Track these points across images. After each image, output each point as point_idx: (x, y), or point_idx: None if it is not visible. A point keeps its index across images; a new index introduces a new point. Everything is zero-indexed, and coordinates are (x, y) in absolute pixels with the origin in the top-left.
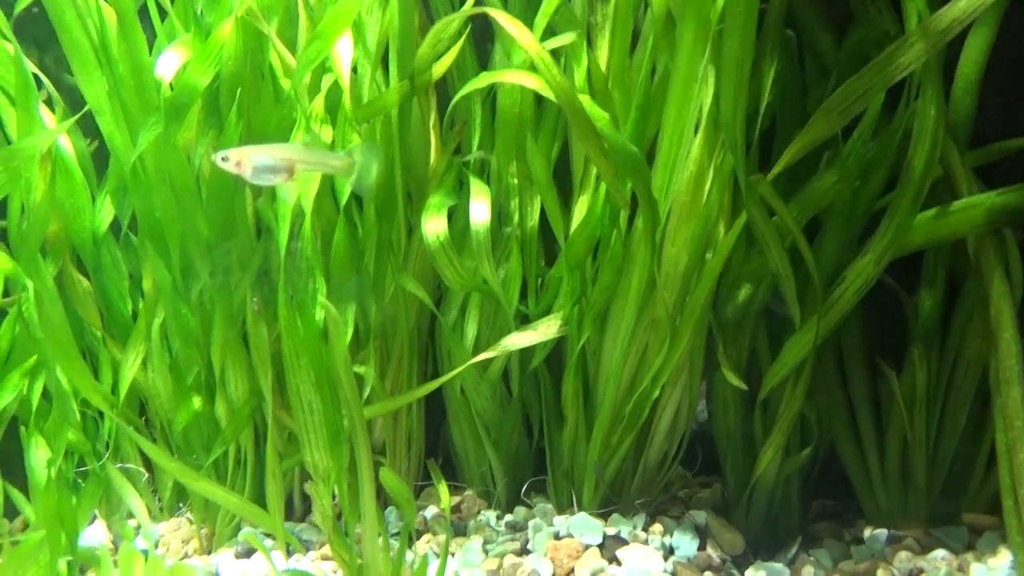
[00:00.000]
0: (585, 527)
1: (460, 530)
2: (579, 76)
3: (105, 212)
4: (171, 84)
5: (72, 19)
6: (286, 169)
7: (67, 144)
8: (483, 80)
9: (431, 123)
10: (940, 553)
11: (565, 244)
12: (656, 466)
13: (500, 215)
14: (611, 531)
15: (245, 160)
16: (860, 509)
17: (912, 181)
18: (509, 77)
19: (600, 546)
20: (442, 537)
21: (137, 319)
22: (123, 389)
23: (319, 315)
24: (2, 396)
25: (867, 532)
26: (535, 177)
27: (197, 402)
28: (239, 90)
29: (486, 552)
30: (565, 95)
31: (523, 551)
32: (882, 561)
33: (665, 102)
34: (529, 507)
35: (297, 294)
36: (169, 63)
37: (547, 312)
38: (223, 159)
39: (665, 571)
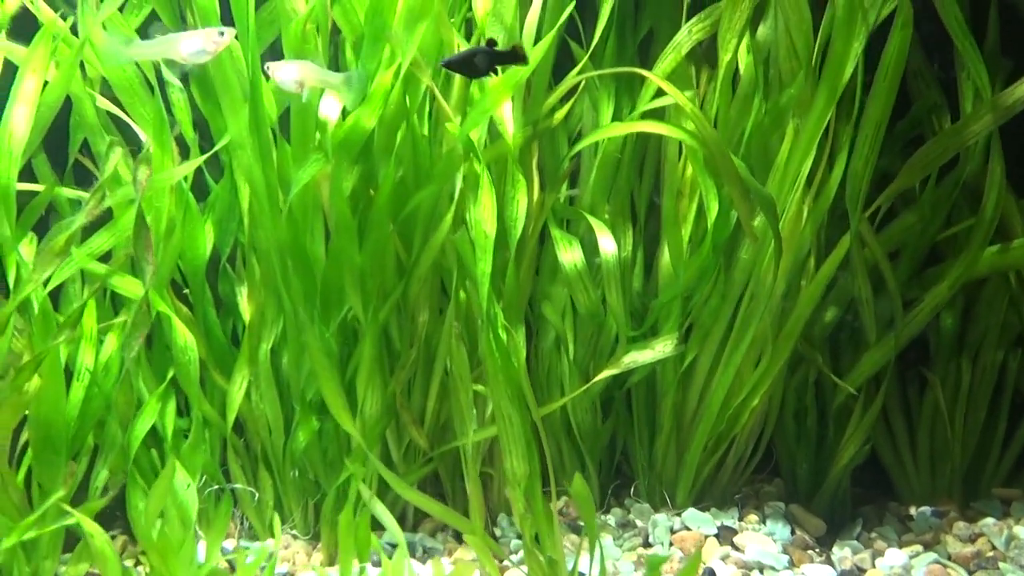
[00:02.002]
0: (699, 520)
1: (576, 529)
2: (689, 127)
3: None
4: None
5: (226, 57)
6: (299, 83)
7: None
8: (616, 129)
9: (533, 163)
10: (990, 520)
11: (673, 272)
12: (734, 465)
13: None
14: (719, 523)
15: (275, 71)
16: (892, 493)
17: (983, 222)
18: (647, 127)
19: (716, 536)
20: (571, 536)
21: (240, 345)
22: (231, 413)
23: (505, 337)
24: (142, 420)
25: (912, 510)
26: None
27: (315, 422)
28: (399, 133)
29: (619, 547)
30: (716, 145)
31: (645, 544)
32: (941, 532)
33: (780, 152)
34: (624, 508)
35: (484, 319)
36: (332, 106)
37: (651, 333)
38: (265, 68)
39: (780, 552)
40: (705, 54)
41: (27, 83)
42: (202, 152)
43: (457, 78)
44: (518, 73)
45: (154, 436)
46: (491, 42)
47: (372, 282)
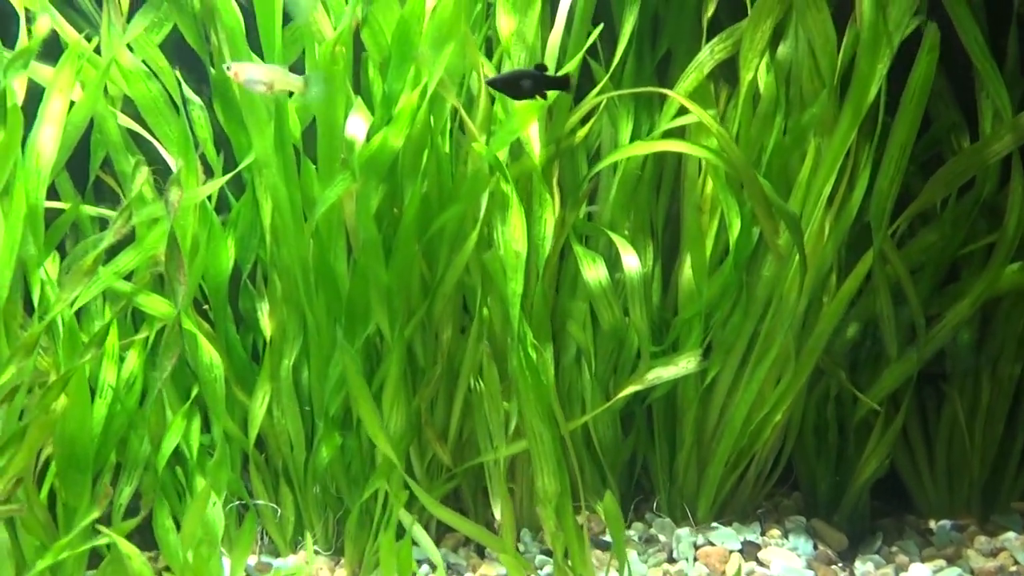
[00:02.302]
0: (723, 535)
1: (600, 545)
2: (711, 144)
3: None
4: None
5: None
6: (267, 84)
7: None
8: (640, 148)
9: (554, 180)
10: (1011, 534)
11: (696, 288)
12: (755, 480)
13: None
14: (742, 538)
15: (241, 72)
16: (909, 506)
17: (1005, 241)
18: (672, 146)
19: (740, 551)
20: (595, 552)
21: (261, 361)
22: (253, 429)
23: (535, 357)
24: (169, 438)
25: (932, 524)
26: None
27: (337, 438)
28: (425, 152)
29: (644, 563)
30: (741, 164)
31: (670, 559)
32: (962, 546)
33: (802, 170)
34: (646, 523)
35: (515, 338)
36: (358, 125)
37: (672, 349)
38: (227, 68)
39: (804, 568)
40: (722, 73)
41: (54, 103)
42: (224, 170)
43: (481, 99)
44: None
45: (175, 453)
46: (541, 67)
47: (398, 300)
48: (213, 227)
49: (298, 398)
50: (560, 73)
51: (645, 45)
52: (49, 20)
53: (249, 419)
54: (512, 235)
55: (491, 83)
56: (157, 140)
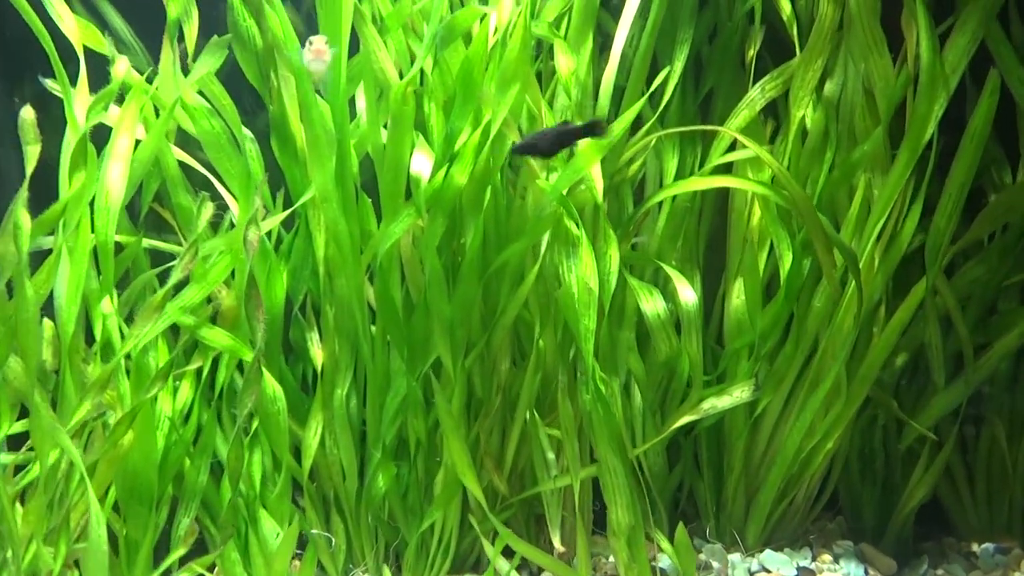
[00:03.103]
0: (777, 561)
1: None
2: (762, 179)
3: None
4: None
5: (316, 114)
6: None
7: None
8: (696, 184)
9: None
10: None
11: (748, 319)
12: (803, 506)
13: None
14: (796, 564)
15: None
16: (949, 529)
17: None
18: (726, 182)
19: None
20: None
21: (312, 392)
22: (307, 459)
23: (604, 391)
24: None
25: (975, 547)
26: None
27: (393, 467)
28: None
29: None
30: (801, 199)
31: None
32: (1008, 569)
33: (852, 205)
34: (695, 549)
35: (588, 373)
36: (423, 163)
37: (720, 379)
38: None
39: None
40: (764, 110)
41: (120, 141)
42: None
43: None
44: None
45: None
46: (565, 123)
47: (460, 332)
48: (270, 261)
49: (350, 427)
50: (605, 124)
51: (689, 83)
52: (127, 63)
53: (302, 449)
54: (584, 272)
55: (517, 150)
56: (216, 176)
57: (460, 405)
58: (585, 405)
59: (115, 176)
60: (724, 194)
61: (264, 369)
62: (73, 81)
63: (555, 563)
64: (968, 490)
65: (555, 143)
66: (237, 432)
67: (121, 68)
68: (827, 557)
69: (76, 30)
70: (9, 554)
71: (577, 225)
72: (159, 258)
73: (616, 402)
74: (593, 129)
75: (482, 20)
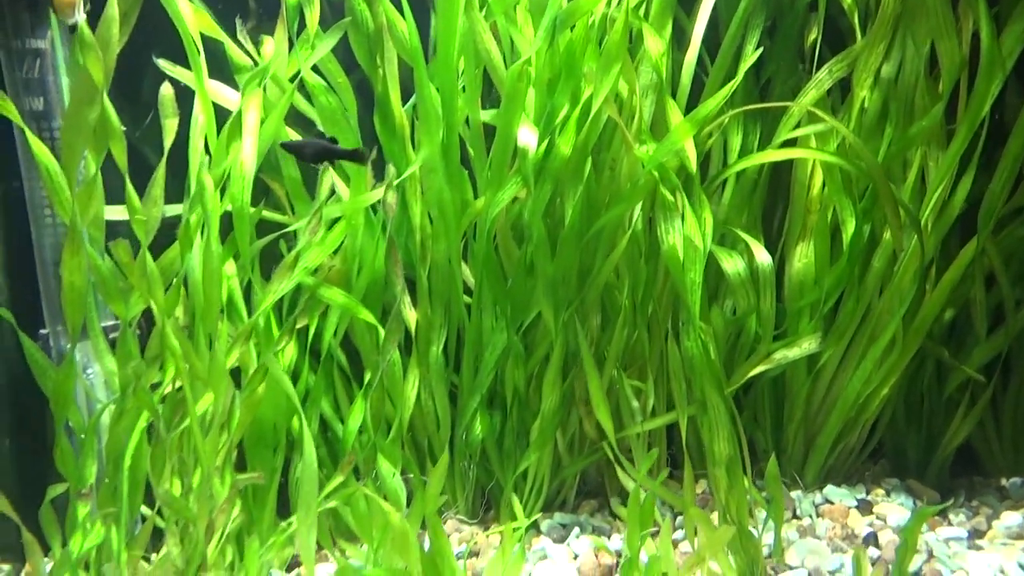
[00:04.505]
0: (839, 495)
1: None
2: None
3: None
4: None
5: (428, 92)
6: None
7: None
8: (771, 155)
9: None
10: None
11: (816, 279)
12: (855, 448)
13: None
14: (855, 497)
15: None
16: (976, 467)
17: None
18: (798, 154)
19: (857, 508)
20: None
21: (413, 348)
22: (406, 411)
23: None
24: (353, 417)
25: (1004, 482)
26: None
27: (486, 420)
28: (588, 160)
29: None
30: (875, 169)
31: (795, 516)
32: None
33: (909, 176)
34: (758, 488)
35: (691, 319)
36: (529, 136)
37: (783, 335)
38: None
39: None
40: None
41: (249, 116)
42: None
43: (637, 112)
44: (704, 112)
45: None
46: (333, 140)
47: (561, 290)
48: (373, 228)
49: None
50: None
51: (751, 69)
52: (274, 45)
53: (400, 402)
54: (689, 230)
55: (285, 146)
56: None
57: (560, 355)
58: (688, 349)
59: (248, 149)
60: (777, 172)
61: (381, 328)
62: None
63: (665, 491)
64: (996, 433)
65: (318, 155)
66: (380, 374)
67: (268, 50)
68: (880, 491)
69: (192, 17)
70: (195, 480)
71: (675, 191)
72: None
73: (716, 348)
74: (354, 155)
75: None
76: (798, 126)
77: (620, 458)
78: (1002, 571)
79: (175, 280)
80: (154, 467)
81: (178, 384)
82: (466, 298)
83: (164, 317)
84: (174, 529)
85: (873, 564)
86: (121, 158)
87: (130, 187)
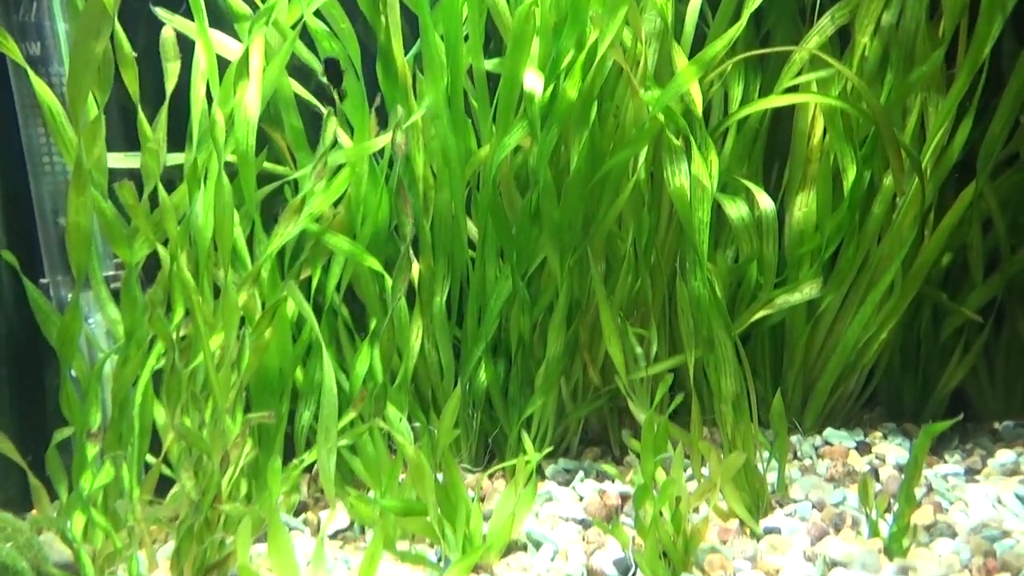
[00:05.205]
0: (838, 437)
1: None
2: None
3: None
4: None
5: (432, 38)
6: None
7: None
8: (776, 101)
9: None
10: None
11: (819, 225)
12: (852, 394)
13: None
14: (854, 439)
15: None
16: (968, 415)
17: None
18: (803, 98)
19: (856, 448)
20: None
21: (416, 299)
22: (411, 360)
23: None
24: (360, 362)
25: (996, 425)
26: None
27: (490, 369)
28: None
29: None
30: (880, 112)
31: (795, 458)
32: None
33: (909, 121)
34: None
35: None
36: (535, 81)
37: (783, 284)
38: None
39: None
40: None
41: (253, 60)
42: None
43: (642, 58)
44: (710, 54)
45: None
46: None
47: (567, 236)
48: (377, 178)
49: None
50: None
51: (751, 21)
52: None
53: (404, 352)
54: (697, 170)
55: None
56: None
57: (565, 302)
58: (695, 289)
59: (251, 94)
60: (776, 126)
61: (387, 276)
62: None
63: (681, 432)
64: (988, 379)
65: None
66: (390, 316)
67: None
68: (877, 434)
69: None
70: (208, 416)
71: (680, 134)
72: None
73: (723, 286)
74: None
75: None
76: (799, 75)
77: (630, 393)
78: (999, 501)
79: (183, 222)
80: (169, 399)
81: (183, 334)
82: (469, 252)
83: (177, 248)
84: (187, 464)
85: (876, 497)
86: (133, 86)
87: (142, 116)
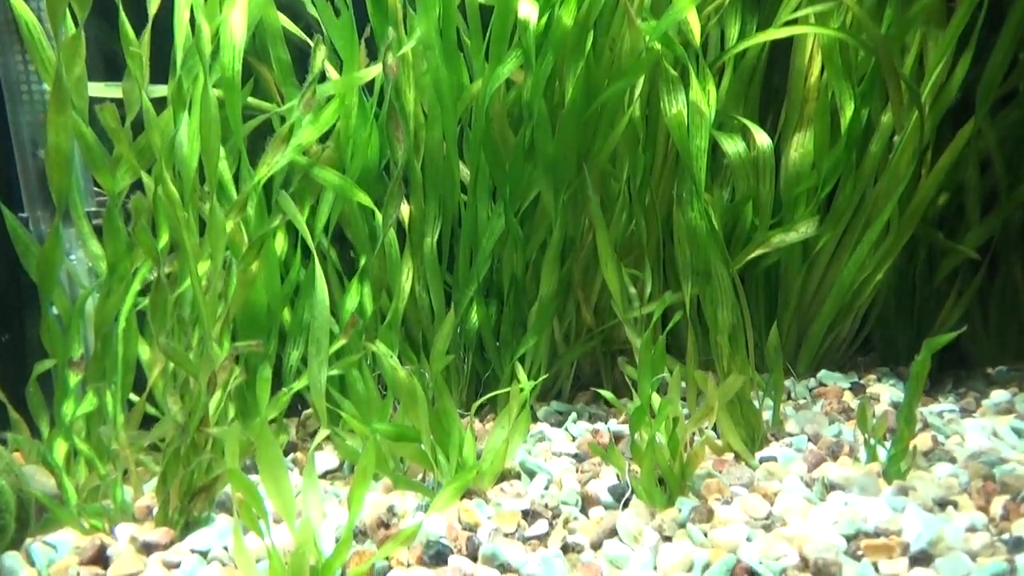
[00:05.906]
0: (832, 378)
1: None
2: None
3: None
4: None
5: None
6: None
7: None
8: (776, 33)
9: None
10: None
11: (816, 164)
12: (846, 338)
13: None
14: (848, 381)
15: None
16: (962, 362)
17: None
18: (802, 30)
19: (850, 389)
20: None
21: (407, 240)
22: (401, 301)
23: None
24: (350, 300)
25: (990, 370)
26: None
27: (482, 310)
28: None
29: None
30: (881, 43)
31: (789, 398)
32: (1023, 382)
33: (909, 56)
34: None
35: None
36: (529, 9)
37: (779, 224)
38: None
39: None
40: None
41: None
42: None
43: None
44: None
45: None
46: None
47: (562, 170)
48: (366, 113)
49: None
50: None
51: None
52: None
53: (395, 293)
54: (695, 97)
55: None
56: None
57: (559, 238)
58: (692, 220)
59: (236, 18)
60: (772, 66)
61: (378, 212)
62: None
63: (681, 368)
64: (982, 324)
65: None
66: (380, 245)
67: None
68: (871, 377)
69: None
70: (195, 341)
71: (678, 64)
72: None
73: (720, 218)
74: None
75: None
76: (797, 10)
77: (627, 321)
78: (995, 433)
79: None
80: (154, 320)
81: (168, 270)
82: (461, 195)
83: (162, 169)
84: (173, 389)
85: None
86: None
87: (124, 16)
